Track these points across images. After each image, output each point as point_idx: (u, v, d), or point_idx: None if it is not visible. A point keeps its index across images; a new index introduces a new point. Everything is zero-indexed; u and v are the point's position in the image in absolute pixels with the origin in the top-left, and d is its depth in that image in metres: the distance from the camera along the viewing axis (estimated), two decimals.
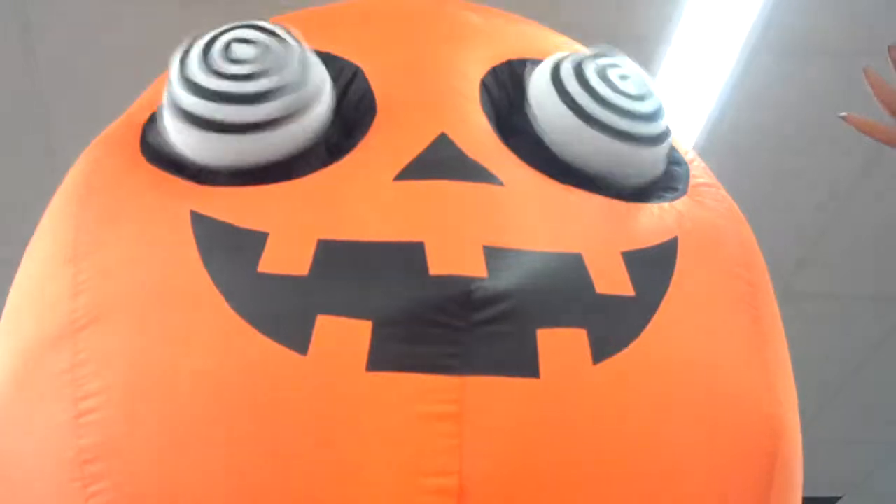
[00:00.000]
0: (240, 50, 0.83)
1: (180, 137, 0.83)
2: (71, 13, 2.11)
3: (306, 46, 0.85)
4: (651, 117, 0.87)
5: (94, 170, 0.87)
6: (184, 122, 0.82)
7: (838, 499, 3.77)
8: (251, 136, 0.81)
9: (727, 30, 2.26)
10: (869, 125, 1.04)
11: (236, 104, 0.81)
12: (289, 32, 0.85)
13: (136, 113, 0.93)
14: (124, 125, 0.92)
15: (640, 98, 0.87)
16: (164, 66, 0.89)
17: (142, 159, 0.86)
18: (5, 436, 0.80)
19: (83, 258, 0.80)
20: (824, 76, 2.31)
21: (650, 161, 0.88)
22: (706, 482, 0.76)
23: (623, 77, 0.87)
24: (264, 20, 0.88)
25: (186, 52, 0.84)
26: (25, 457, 0.78)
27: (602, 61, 0.88)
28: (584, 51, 0.92)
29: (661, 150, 0.88)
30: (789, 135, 2.50)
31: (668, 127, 0.88)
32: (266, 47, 0.83)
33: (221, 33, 0.85)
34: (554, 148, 0.85)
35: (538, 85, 0.87)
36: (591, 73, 0.86)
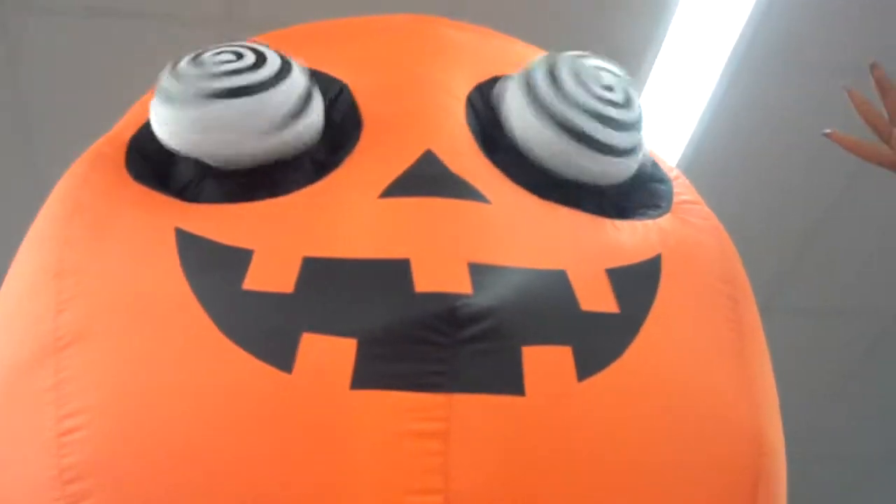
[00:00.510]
0: (224, 56, 0.85)
1: (164, 125, 0.84)
2: (56, 30, 2.11)
3: (289, 58, 0.85)
4: (630, 127, 0.87)
5: (80, 186, 0.87)
6: (166, 104, 0.84)
7: None
8: (244, 100, 0.81)
9: (712, 45, 2.28)
10: (852, 142, 1.05)
11: (222, 77, 0.83)
12: (269, 48, 0.86)
13: (121, 130, 0.93)
14: (109, 142, 0.91)
15: (619, 105, 0.87)
16: (149, 85, 0.89)
17: (127, 176, 0.86)
18: None
19: (68, 275, 0.80)
20: (808, 92, 2.33)
21: (624, 169, 0.88)
22: (690, 498, 0.76)
23: (599, 80, 0.87)
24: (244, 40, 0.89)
25: (176, 62, 0.86)
26: (7, 475, 0.78)
27: (578, 63, 0.88)
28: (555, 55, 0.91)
29: (635, 160, 0.88)
30: (773, 150, 2.52)
31: (641, 138, 0.88)
32: (246, 53, 0.85)
33: (224, 46, 0.87)
34: (525, 150, 0.85)
35: (512, 94, 0.87)
36: (566, 76, 0.86)
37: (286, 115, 0.83)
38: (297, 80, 0.84)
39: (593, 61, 0.90)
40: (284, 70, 0.84)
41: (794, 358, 2.20)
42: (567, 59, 0.88)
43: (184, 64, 0.85)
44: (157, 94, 0.86)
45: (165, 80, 0.85)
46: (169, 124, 0.84)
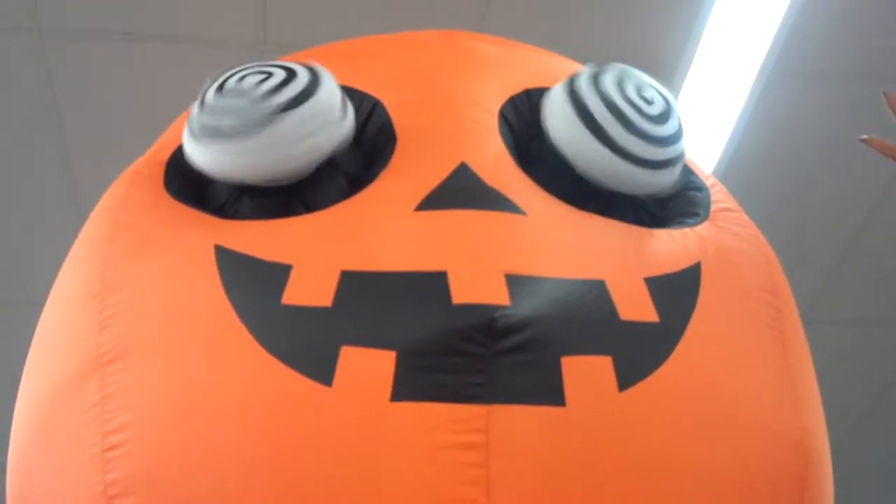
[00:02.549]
0: (251, 79, 0.85)
1: (200, 155, 0.85)
2: (92, 55, 2.14)
3: (324, 72, 0.86)
4: (671, 140, 0.87)
5: (119, 206, 0.88)
6: (203, 135, 0.84)
7: None
8: (264, 133, 0.82)
9: (745, 54, 2.26)
10: (891, 147, 1.04)
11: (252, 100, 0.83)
12: (313, 69, 0.87)
13: (159, 150, 0.94)
14: (147, 162, 0.93)
15: (660, 120, 0.87)
16: (185, 107, 0.90)
17: (166, 195, 0.87)
18: (33, 471, 0.81)
19: (110, 293, 0.81)
20: (843, 99, 2.31)
21: (665, 180, 0.88)
22: None
23: (641, 94, 0.87)
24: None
25: (215, 79, 0.87)
26: (53, 492, 0.78)
27: (618, 76, 0.88)
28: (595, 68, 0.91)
29: (676, 171, 0.88)
30: (809, 159, 2.49)
31: (681, 150, 0.88)
32: (276, 73, 0.85)
33: (237, 71, 0.87)
34: (569, 160, 0.85)
35: (555, 104, 0.88)
36: (610, 88, 0.86)
37: (339, 110, 0.84)
38: (331, 83, 0.85)
39: (634, 73, 0.90)
40: (315, 77, 0.85)
41: (833, 369, 2.18)
42: (611, 73, 0.88)
43: (213, 97, 0.84)
44: (199, 133, 0.85)
45: (205, 116, 0.84)
46: (223, 157, 0.84)
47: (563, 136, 0.86)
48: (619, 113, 0.85)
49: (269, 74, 0.85)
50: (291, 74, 0.85)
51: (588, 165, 0.85)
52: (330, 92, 0.85)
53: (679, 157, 0.88)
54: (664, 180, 0.87)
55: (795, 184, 2.56)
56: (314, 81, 0.84)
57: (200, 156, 0.85)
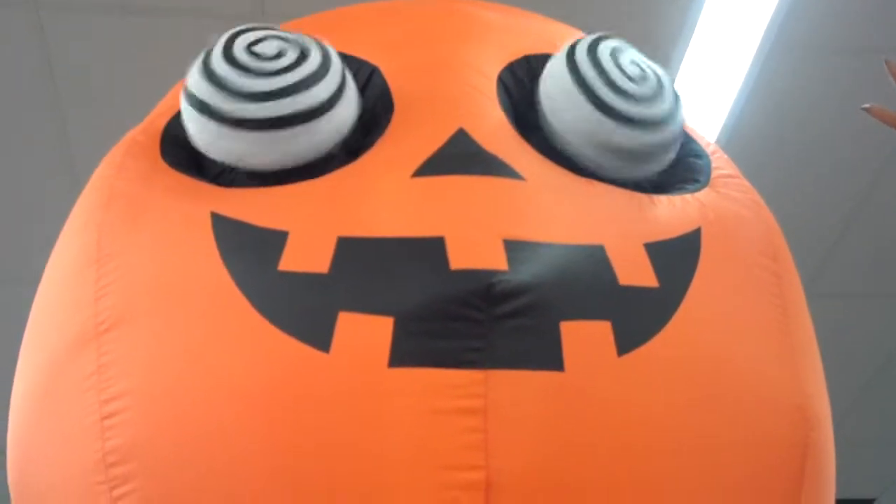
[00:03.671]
0: (264, 46, 0.84)
1: (199, 134, 0.84)
2: (89, 27, 2.13)
3: (329, 47, 0.85)
4: (653, 98, 0.86)
5: (116, 174, 0.87)
6: (200, 114, 0.83)
7: (872, 501, 3.73)
8: (269, 134, 0.81)
9: (744, 28, 2.25)
10: (892, 116, 1.03)
11: (258, 101, 0.81)
12: (308, 37, 0.86)
13: (155, 118, 0.94)
14: (144, 131, 0.92)
15: (645, 83, 0.86)
16: (182, 76, 0.89)
17: (162, 163, 0.87)
18: (32, 440, 0.81)
19: (106, 261, 0.80)
20: (844, 72, 2.29)
21: (662, 142, 0.87)
22: (737, 473, 0.75)
23: (632, 61, 0.87)
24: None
25: (210, 50, 0.85)
26: (52, 461, 0.78)
27: (612, 44, 0.88)
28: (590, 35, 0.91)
29: (670, 131, 0.87)
30: (810, 132, 2.49)
31: (674, 105, 0.88)
32: (288, 45, 0.84)
33: (243, 31, 0.86)
34: (567, 139, 0.85)
35: (555, 74, 0.87)
36: (605, 56, 0.86)
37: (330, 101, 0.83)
38: (337, 62, 0.85)
39: (632, 48, 0.90)
40: (325, 55, 0.84)
41: (835, 341, 2.18)
42: (610, 42, 0.88)
43: (221, 65, 0.82)
44: (184, 95, 0.84)
45: (205, 89, 0.82)
46: (200, 129, 0.83)
47: (556, 103, 0.86)
48: (605, 74, 0.85)
49: (281, 52, 0.83)
50: (302, 53, 0.83)
51: (576, 128, 0.84)
52: (346, 75, 0.84)
53: (667, 117, 0.87)
54: (653, 141, 0.86)
55: (796, 158, 2.55)
56: (326, 59, 0.84)
57: (194, 127, 0.84)
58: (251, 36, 0.86)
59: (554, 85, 0.87)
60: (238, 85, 0.82)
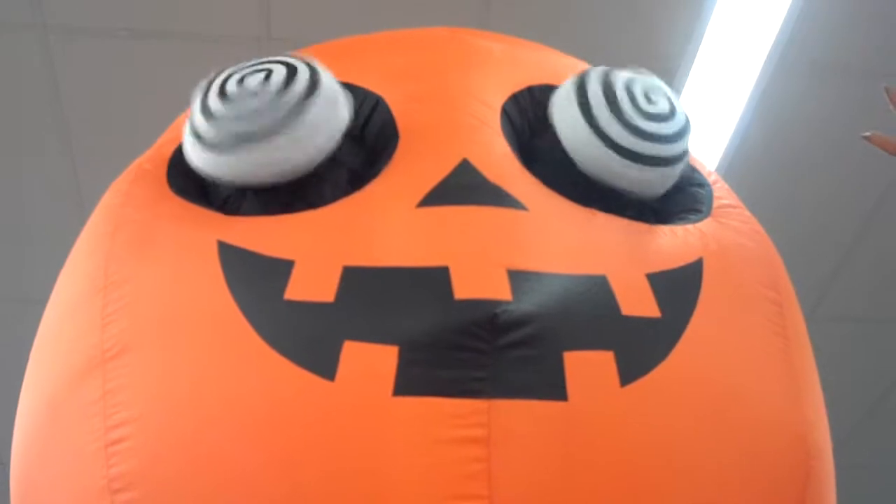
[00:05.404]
0: (251, 78, 0.85)
1: (199, 162, 0.85)
2: (97, 51, 2.14)
3: (324, 70, 0.86)
4: (674, 138, 0.87)
5: (123, 202, 0.88)
6: (198, 144, 0.84)
7: None
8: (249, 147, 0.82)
9: (748, 50, 2.26)
10: (892, 144, 1.04)
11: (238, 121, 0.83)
12: (307, 61, 0.87)
13: (162, 146, 0.94)
14: (150, 159, 0.93)
15: (665, 118, 0.87)
16: (188, 103, 0.90)
17: (169, 191, 0.87)
18: (37, 466, 0.81)
19: (113, 289, 0.81)
20: (846, 96, 2.30)
21: (670, 178, 0.88)
22: (738, 502, 0.75)
23: (647, 96, 0.88)
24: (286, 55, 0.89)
25: (209, 83, 0.86)
26: (56, 486, 0.79)
27: (626, 76, 0.89)
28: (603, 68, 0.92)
29: (679, 168, 0.89)
30: (812, 156, 2.49)
31: (679, 150, 0.89)
32: (273, 69, 0.85)
33: (232, 73, 0.87)
34: (575, 159, 0.86)
35: (562, 105, 0.88)
36: (619, 90, 0.87)
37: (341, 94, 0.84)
38: (325, 69, 0.85)
39: (649, 78, 0.90)
40: (312, 66, 0.85)
41: (837, 366, 2.17)
42: (624, 73, 0.89)
43: (215, 101, 0.84)
44: (193, 137, 0.85)
45: (199, 122, 0.84)
46: (211, 167, 0.84)
47: (564, 128, 0.87)
48: (615, 105, 0.85)
49: (269, 71, 0.85)
50: (291, 68, 0.85)
51: (584, 159, 0.86)
52: (329, 77, 0.85)
53: (675, 158, 0.88)
54: (656, 179, 0.87)
55: (799, 180, 2.55)
56: (314, 70, 0.84)
57: (193, 156, 0.85)
58: (247, 70, 0.86)
59: (560, 106, 0.87)
60: (221, 112, 0.83)
